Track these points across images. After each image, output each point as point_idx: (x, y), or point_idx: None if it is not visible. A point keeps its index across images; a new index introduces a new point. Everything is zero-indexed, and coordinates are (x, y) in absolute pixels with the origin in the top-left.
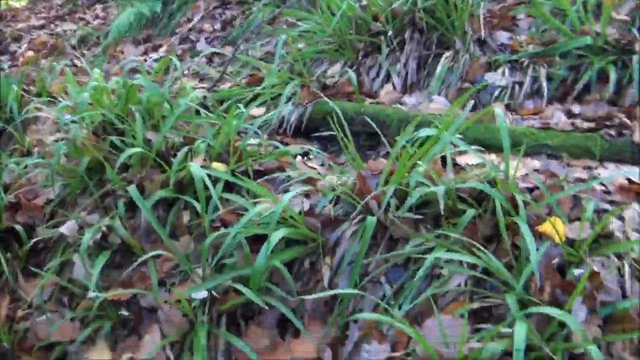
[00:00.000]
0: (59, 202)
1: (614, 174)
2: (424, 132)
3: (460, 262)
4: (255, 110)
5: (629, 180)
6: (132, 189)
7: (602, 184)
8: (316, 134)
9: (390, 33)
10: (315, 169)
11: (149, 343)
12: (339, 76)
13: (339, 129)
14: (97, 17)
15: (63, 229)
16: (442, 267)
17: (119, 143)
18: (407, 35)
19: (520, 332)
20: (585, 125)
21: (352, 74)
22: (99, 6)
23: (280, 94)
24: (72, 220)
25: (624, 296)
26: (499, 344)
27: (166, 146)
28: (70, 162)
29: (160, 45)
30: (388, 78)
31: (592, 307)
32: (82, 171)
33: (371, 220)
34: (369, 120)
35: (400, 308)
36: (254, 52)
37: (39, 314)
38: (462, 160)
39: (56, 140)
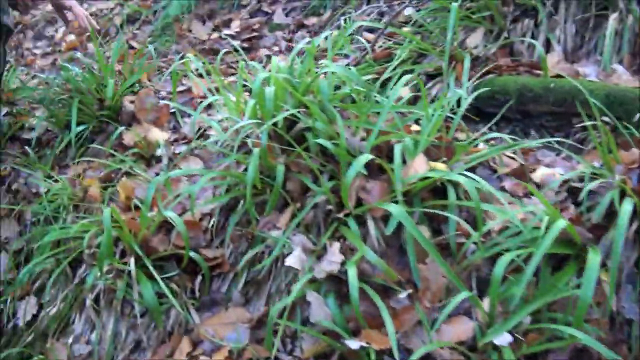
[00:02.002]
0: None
1: None
2: None
3: None
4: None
5: None
6: (397, 210)
7: None
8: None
9: None
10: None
11: None
12: (483, 46)
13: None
14: None
15: (291, 261)
16: None
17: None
18: None
19: None
20: None
21: (536, 44)
22: None
23: (412, 70)
24: (297, 247)
25: None
26: None
27: (378, 147)
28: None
29: (231, 20)
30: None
31: None
32: (280, 182)
33: None
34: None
35: None
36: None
37: None
38: None
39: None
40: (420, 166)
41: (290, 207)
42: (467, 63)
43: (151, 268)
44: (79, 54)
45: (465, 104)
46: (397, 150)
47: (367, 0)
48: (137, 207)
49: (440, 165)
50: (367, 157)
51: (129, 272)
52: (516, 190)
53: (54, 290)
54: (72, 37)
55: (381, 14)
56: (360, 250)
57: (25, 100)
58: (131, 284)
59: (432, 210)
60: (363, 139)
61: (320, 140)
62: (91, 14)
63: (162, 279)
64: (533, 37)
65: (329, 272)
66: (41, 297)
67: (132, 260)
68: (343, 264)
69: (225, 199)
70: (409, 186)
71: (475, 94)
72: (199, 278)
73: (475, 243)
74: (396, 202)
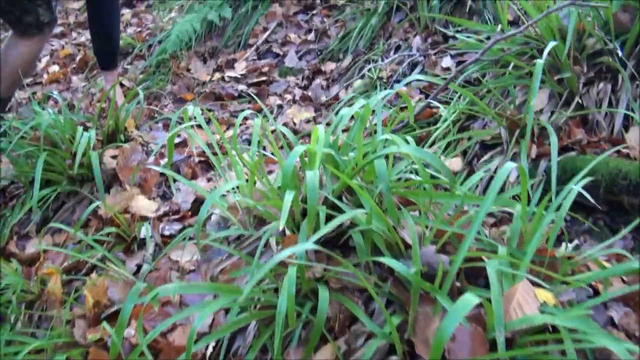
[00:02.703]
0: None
1: None
2: None
3: None
4: (452, 163)
5: None
6: None
7: None
8: None
9: (620, 53)
10: None
11: None
12: (550, 113)
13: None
14: (128, 24)
15: None
16: None
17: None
18: None
19: None
20: None
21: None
22: (127, 11)
23: (459, 138)
24: None
25: None
26: None
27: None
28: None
29: (235, 60)
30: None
31: None
32: (323, 315)
33: None
34: None
35: None
36: (379, 72)
37: None
38: None
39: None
40: (526, 301)
41: (330, 347)
42: (554, 138)
43: None
44: (55, 93)
45: (570, 200)
46: (493, 275)
47: (396, 47)
48: (110, 316)
49: (545, 295)
50: (472, 301)
51: None
52: (629, 324)
53: None
54: (55, 67)
55: (414, 64)
56: None
57: None
58: None
59: None
60: (434, 244)
61: (387, 260)
62: (80, 44)
63: None
64: (610, 104)
65: None
66: None
67: None
68: None
69: (234, 328)
70: (511, 332)
71: (584, 181)
72: None
73: None
74: None
